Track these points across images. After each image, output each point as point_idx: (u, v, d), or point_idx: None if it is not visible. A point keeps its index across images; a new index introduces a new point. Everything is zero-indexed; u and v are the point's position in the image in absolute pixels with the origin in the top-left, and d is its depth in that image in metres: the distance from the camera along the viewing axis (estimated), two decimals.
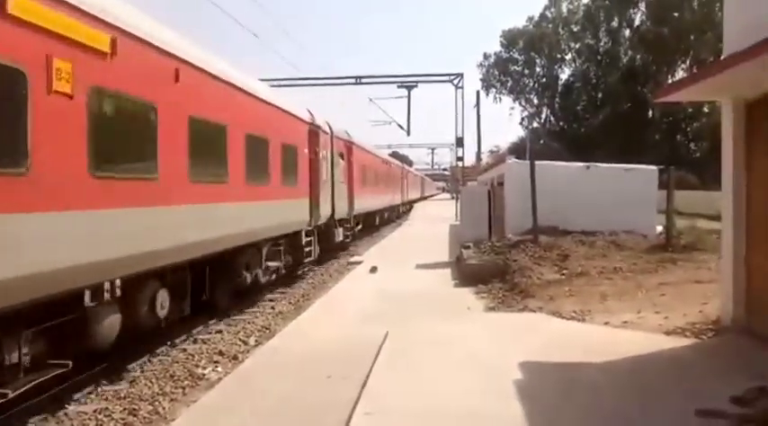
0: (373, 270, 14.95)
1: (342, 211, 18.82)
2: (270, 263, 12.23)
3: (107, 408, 6.24)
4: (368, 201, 25.04)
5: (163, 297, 7.93)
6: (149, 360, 7.94)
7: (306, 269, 15.86)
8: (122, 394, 6.66)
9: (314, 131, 15.32)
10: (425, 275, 14.23)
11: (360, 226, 23.72)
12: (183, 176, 8.00)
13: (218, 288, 10.07)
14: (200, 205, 8.47)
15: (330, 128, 17.61)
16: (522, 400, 5.56)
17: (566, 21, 62.46)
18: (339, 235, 18.74)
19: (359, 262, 16.93)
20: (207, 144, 8.84)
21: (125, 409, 6.22)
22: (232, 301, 10.81)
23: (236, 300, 11.08)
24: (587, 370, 6.47)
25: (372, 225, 28.41)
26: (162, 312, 7.91)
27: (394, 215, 38.95)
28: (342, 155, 19.43)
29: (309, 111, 15.38)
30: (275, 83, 29.10)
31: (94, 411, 6.18)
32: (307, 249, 14.71)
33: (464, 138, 35.71)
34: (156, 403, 6.42)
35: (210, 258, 9.29)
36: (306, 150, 14.46)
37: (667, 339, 7.69)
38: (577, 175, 16.57)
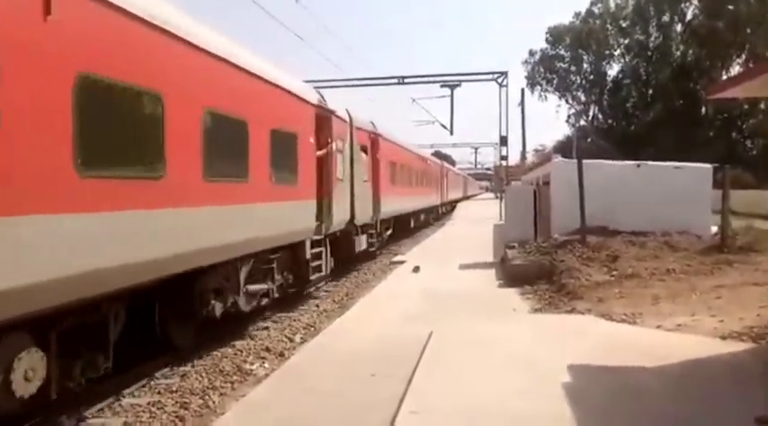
0: (416, 269, 14.94)
1: (364, 215, 15.85)
2: (253, 287, 9.19)
3: (160, 401, 6.44)
4: (399, 203, 21.96)
5: (31, 363, 5.03)
6: (199, 355, 8.14)
7: (322, 284, 13.18)
8: (174, 388, 6.85)
9: (324, 118, 12.25)
10: (469, 275, 14.12)
11: (389, 232, 20.91)
12: (63, 169, 5.02)
13: (173, 323, 7.79)
14: (108, 214, 5.52)
15: (349, 116, 14.72)
16: (572, 403, 5.44)
17: (614, 16, 60.95)
18: (361, 243, 15.97)
19: (401, 262, 16.95)
20: (118, 120, 5.78)
21: (177, 402, 6.40)
22: (199, 337, 8.33)
23: (213, 333, 8.68)
24: (639, 374, 6.29)
25: (406, 229, 25.91)
26: (28, 387, 5.00)
27: (432, 217, 36.15)
28: (365, 149, 16.41)
29: (319, 93, 12.49)
30: (318, 84, 28.42)
31: (148, 403, 6.39)
32: (315, 263, 11.76)
33: (508, 137, 35.15)
34: (207, 397, 6.58)
35: (154, 286, 6.74)
36: (312, 140, 11.33)
37: (723, 343, 7.40)
38: (627, 174, 16.12)
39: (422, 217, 31.12)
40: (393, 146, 21.34)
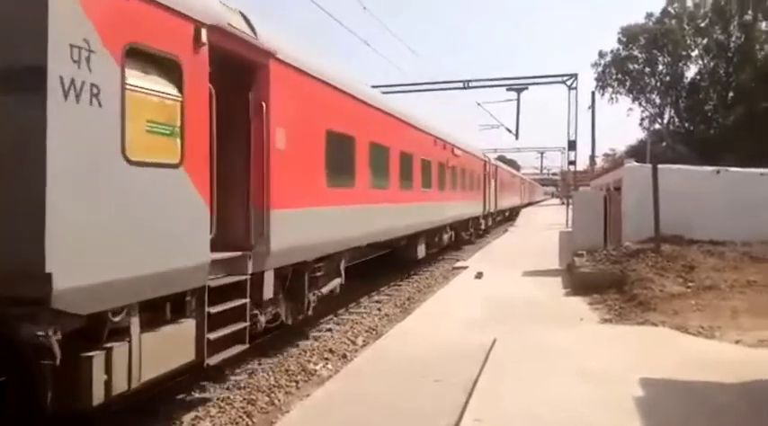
0: (479, 275, 14.74)
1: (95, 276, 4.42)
2: None
3: (228, 397, 6.65)
4: (364, 220, 10.96)
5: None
6: (266, 353, 8.35)
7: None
8: (242, 385, 7.06)
9: None
10: (534, 282, 13.81)
11: (336, 282, 9.98)
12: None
13: None
14: None
15: None
16: (644, 417, 5.23)
17: (691, 16, 58.19)
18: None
19: (464, 268, 16.78)
20: None
21: (244, 399, 6.60)
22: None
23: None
24: (718, 391, 5.96)
25: (411, 260, 16.21)
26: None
27: (468, 234, 24.75)
28: (174, 79, 5.28)
29: None
30: (384, 89, 28.21)
31: (217, 399, 6.61)
32: None
33: (576, 141, 34.09)
34: (273, 394, 6.75)
35: None
36: None
37: None
38: (705, 180, 15.34)
39: (444, 237, 19.68)
40: (328, 92, 9.15)
